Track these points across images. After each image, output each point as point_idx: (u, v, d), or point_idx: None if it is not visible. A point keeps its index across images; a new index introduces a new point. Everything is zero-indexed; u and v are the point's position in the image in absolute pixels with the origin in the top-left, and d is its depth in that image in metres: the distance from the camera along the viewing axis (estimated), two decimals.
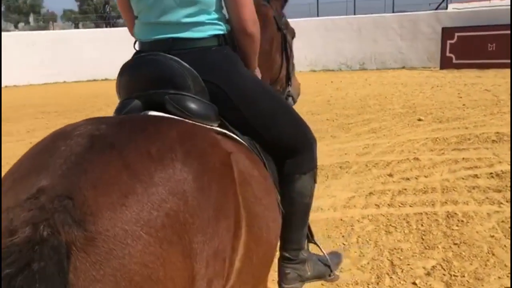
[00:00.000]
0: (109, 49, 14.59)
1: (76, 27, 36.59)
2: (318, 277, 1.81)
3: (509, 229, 3.21)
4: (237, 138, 1.43)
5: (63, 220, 0.76)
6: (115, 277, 0.77)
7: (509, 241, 3.06)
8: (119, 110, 1.37)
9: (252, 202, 1.25)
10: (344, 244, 3.19)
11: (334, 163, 5.11)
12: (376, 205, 3.84)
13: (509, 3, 12.70)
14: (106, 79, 15.61)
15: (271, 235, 1.36)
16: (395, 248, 3.09)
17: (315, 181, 1.70)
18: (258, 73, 1.72)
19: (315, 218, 3.64)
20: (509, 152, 4.89)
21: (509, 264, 2.79)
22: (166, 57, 1.38)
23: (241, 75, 1.52)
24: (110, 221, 0.79)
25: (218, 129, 1.37)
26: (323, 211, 3.80)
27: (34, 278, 0.70)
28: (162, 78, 1.36)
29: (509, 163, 4.56)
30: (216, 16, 1.47)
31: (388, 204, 3.84)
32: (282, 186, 1.61)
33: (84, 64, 15.98)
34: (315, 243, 1.85)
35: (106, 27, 23.78)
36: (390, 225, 3.45)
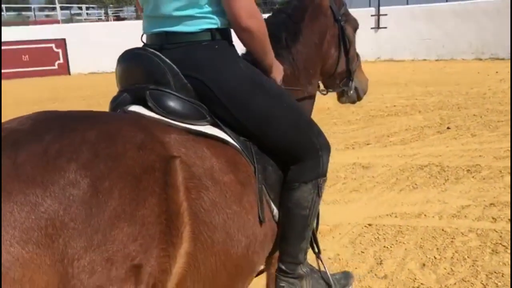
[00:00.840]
0: None
1: None
2: None
3: None
4: (224, 138, 1.37)
5: None
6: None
7: None
8: (111, 103, 1.43)
9: (207, 210, 1.20)
10: (434, 258, 2.85)
11: (462, 165, 4.56)
12: (493, 218, 3.34)
13: None
14: None
15: (234, 246, 1.28)
16: (495, 272, 2.66)
17: (319, 194, 1.53)
18: (278, 68, 1.61)
19: (413, 224, 3.33)
20: None
21: None
22: (148, 51, 1.39)
23: (232, 72, 1.43)
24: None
25: (195, 127, 1.33)
26: (426, 218, 3.44)
27: None
28: (145, 73, 1.38)
29: None
30: (208, 9, 1.40)
31: (509, 219, 3.30)
32: (282, 194, 1.50)
33: None
34: (320, 260, 1.68)
35: None
36: (501, 243, 2.97)
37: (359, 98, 2.20)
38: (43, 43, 15.67)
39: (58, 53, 15.97)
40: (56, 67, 15.96)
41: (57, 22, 23.83)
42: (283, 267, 1.57)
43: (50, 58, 15.80)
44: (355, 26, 2.07)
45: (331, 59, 1.98)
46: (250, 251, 1.36)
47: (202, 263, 1.20)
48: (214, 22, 1.43)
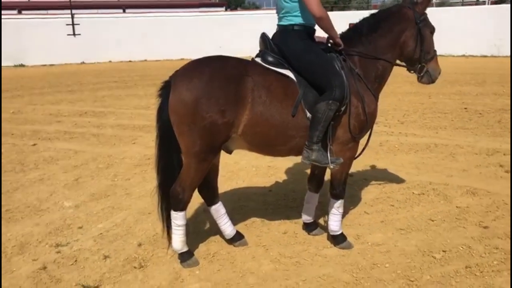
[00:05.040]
0: None
1: None
2: (317, 161, 2.97)
3: None
4: (288, 75, 2.98)
5: (172, 76, 2.96)
6: (175, 102, 2.84)
7: None
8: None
9: (261, 100, 2.85)
10: None
11: None
12: None
13: None
14: None
15: (273, 121, 2.89)
16: None
17: (329, 109, 2.86)
18: (337, 36, 3.07)
19: None
20: None
21: None
22: (265, 33, 3.15)
23: (295, 44, 3.01)
24: (179, 85, 2.84)
25: (274, 68, 2.99)
26: None
27: (162, 97, 2.96)
28: (263, 43, 3.13)
29: None
30: (293, 14, 3.05)
31: None
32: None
33: None
34: (330, 148, 3.03)
35: None
36: None
37: (432, 81, 3.32)
38: None
39: None
40: None
41: None
42: (306, 142, 3.01)
43: None
44: (431, 29, 3.23)
45: (409, 48, 3.22)
46: (284, 125, 2.93)
47: (255, 121, 2.88)
48: (295, 20, 3.07)
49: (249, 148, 3.12)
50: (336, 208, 3.31)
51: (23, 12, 23.77)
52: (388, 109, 8.13)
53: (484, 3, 27.10)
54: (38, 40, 18.20)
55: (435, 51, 3.29)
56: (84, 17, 19.30)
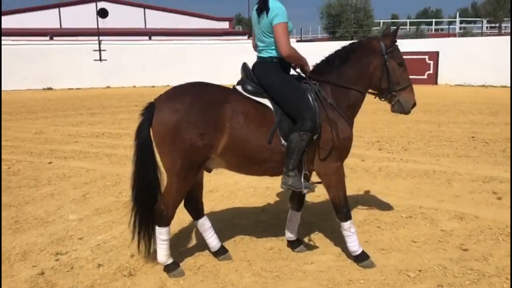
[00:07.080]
0: None
1: None
2: (293, 187, 3.17)
3: None
4: (267, 104, 3.19)
5: (156, 100, 3.19)
6: (157, 123, 3.09)
7: None
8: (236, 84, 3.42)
9: (239, 125, 3.08)
10: None
11: None
12: None
13: None
14: None
15: (249, 145, 3.10)
16: None
17: (301, 139, 3.08)
18: (307, 66, 3.33)
19: None
20: None
21: None
22: (246, 64, 3.37)
23: (273, 76, 3.23)
24: (162, 108, 3.09)
25: (253, 97, 3.20)
26: None
27: (143, 116, 3.19)
28: (244, 73, 3.34)
29: None
30: (272, 47, 3.25)
31: None
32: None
33: None
34: (304, 173, 3.21)
35: None
36: None
37: (404, 112, 3.43)
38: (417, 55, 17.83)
39: (429, 64, 17.93)
40: (425, 76, 17.99)
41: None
42: (284, 169, 3.22)
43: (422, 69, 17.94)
44: (399, 61, 3.37)
45: (375, 78, 3.39)
46: (259, 150, 3.15)
47: (233, 144, 3.11)
48: (274, 53, 3.28)
49: (227, 167, 3.33)
50: (348, 230, 3.43)
51: (55, 38, 24.92)
52: (395, 136, 8.27)
53: (508, 33, 27.09)
54: (66, 65, 19.13)
55: (408, 82, 3.41)
56: (110, 43, 20.17)
